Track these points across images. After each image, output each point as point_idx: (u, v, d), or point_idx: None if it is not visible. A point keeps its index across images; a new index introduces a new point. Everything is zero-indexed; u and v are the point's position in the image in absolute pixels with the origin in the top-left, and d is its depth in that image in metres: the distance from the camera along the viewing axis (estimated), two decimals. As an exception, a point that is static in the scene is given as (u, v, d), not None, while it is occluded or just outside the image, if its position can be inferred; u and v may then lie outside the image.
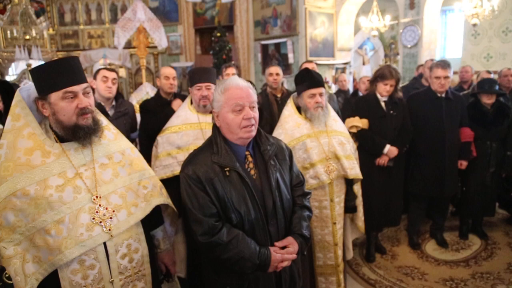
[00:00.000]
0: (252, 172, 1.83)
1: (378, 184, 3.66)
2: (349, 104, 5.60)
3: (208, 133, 2.76)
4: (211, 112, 2.92)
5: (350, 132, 3.59)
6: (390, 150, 3.58)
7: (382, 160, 3.61)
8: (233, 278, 1.81)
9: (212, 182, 1.73)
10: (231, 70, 4.31)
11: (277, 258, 1.77)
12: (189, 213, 1.75)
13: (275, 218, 1.83)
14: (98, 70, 3.45)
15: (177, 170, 2.73)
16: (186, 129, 2.84)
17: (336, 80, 9.49)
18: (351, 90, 7.73)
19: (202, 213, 1.72)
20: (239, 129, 1.75)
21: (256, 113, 1.79)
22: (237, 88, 1.76)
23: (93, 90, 3.44)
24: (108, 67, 3.71)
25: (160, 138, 2.91)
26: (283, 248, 1.81)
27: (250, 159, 1.84)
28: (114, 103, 3.53)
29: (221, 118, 1.79)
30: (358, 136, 3.64)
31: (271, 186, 1.81)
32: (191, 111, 2.92)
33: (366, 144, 3.62)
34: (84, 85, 1.64)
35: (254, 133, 1.80)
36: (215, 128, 1.86)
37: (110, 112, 3.45)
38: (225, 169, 1.75)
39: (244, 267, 1.73)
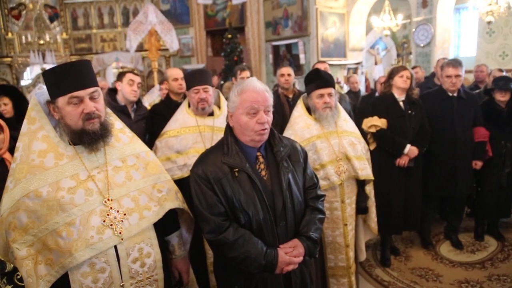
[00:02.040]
0: (263, 173, 1.83)
1: (398, 186, 3.60)
2: (364, 103, 5.58)
3: (207, 136, 2.80)
4: (209, 115, 2.93)
5: (368, 132, 3.56)
6: (410, 150, 3.52)
7: (403, 161, 3.55)
8: (241, 278, 1.81)
9: (221, 182, 1.73)
10: (246, 74, 4.30)
11: (284, 260, 1.76)
12: (197, 211, 1.77)
13: (285, 220, 1.81)
14: (124, 73, 3.48)
15: (176, 174, 2.72)
16: (184, 133, 2.82)
17: (347, 81, 9.43)
18: (362, 90, 7.68)
19: (210, 212, 1.73)
20: (252, 132, 1.75)
21: (270, 117, 1.79)
22: (254, 91, 1.75)
23: (116, 91, 3.49)
24: (135, 71, 3.80)
25: (158, 143, 2.89)
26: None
27: (261, 160, 1.84)
28: (135, 106, 3.57)
29: (235, 119, 1.79)
30: (377, 136, 3.59)
31: (281, 188, 1.81)
32: (189, 115, 2.89)
33: (386, 144, 3.57)
34: (91, 89, 1.62)
35: (266, 137, 1.81)
36: (228, 128, 1.86)
37: (132, 115, 3.50)
38: (234, 170, 1.75)
39: (250, 266, 1.73)
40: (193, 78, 2.86)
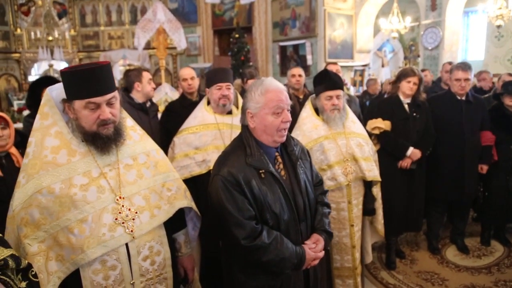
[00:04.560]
0: (282, 173, 1.85)
1: (400, 187, 3.60)
2: (372, 105, 5.61)
3: (226, 133, 2.81)
4: (228, 113, 2.94)
5: (372, 134, 3.56)
6: (413, 152, 3.51)
7: (405, 163, 3.54)
8: (265, 279, 1.82)
9: (250, 185, 1.72)
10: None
11: (311, 256, 1.82)
12: (229, 217, 1.70)
13: (305, 217, 1.88)
14: (140, 72, 3.58)
15: (195, 170, 2.75)
16: (204, 130, 2.84)
17: (355, 83, 9.42)
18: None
19: (244, 216, 1.71)
20: (276, 131, 1.76)
21: (290, 116, 1.81)
22: (278, 91, 1.77)
23: (127, 89, 3.57)
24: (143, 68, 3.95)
25: (176, 139, 2.91)
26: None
27: (280, 160, 1.87)
28: (149, 103, 3.66)
29: (259, 120, 1.78)
30: (380, 138, 3.59)
31: (300, 186, 1.85)
32: (208, 112, 2.92)
33: (388, 146, 3.57)
34: (109, 96, 1.61)
35: (286, 136, 1.83)
36: (246, 130, 1.85)
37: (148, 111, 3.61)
38: (260, 171, 1.75)
39: (284, 267, 1.76)
40: (216, 76, 2.89)
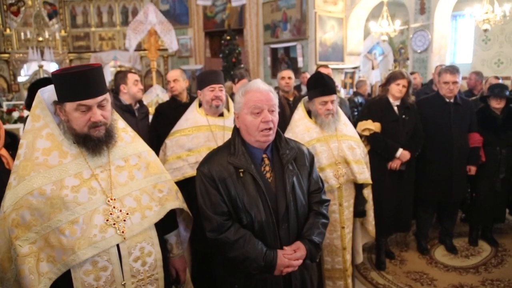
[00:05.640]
0: (268, 175, 1.85)
1: (389, 188, 3.64)
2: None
3: (219, 135, 2.83)
4: (220, 115, 2.96)
5: (362, 135, 3.60)
6: (402, 154, 3.56)
7: (395, 164, 3.59)
8: (241, 277, 1.84)
9: (225, 182, 1.76)
10: (244, 82, 4.34)
11: (283, 262, 1.77)
12: (200, 209, 1.80)
13: (287, 223, 1.83)
14: (125, 75, 3.56)
15: (188, 172, 2.75)
16: (196, 132, 2.85)
17: (345, 85, 9.51)
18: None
19: (213, 211, 1.76)
20: (257, 131, 1.78)
21: (275, 117, 1.81)
22: (257, 91, 1.79)
23: (116, 91, 3.56)
24: (132, 70, 3.94)
25: (168, 142, 2.92)
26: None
27: (267, 162, 1.86)
28: (138, 105, 3.66)
29: (241, 120, 1.82)
30: (370, 139, 3.63)
31: (285, 190, 1.83)
32: (200, 114, 2.93)
33: (378, 148, 3.61)
34: (100, 98, 1.61)
35: (272, 137, 1.83)
36: (235, 129, 1.89)
37: (137, 113, 3.59)
38: (239, 170, 1.77)
39: (249, 267, 1.76)
40: (208, 77, 2.91)
